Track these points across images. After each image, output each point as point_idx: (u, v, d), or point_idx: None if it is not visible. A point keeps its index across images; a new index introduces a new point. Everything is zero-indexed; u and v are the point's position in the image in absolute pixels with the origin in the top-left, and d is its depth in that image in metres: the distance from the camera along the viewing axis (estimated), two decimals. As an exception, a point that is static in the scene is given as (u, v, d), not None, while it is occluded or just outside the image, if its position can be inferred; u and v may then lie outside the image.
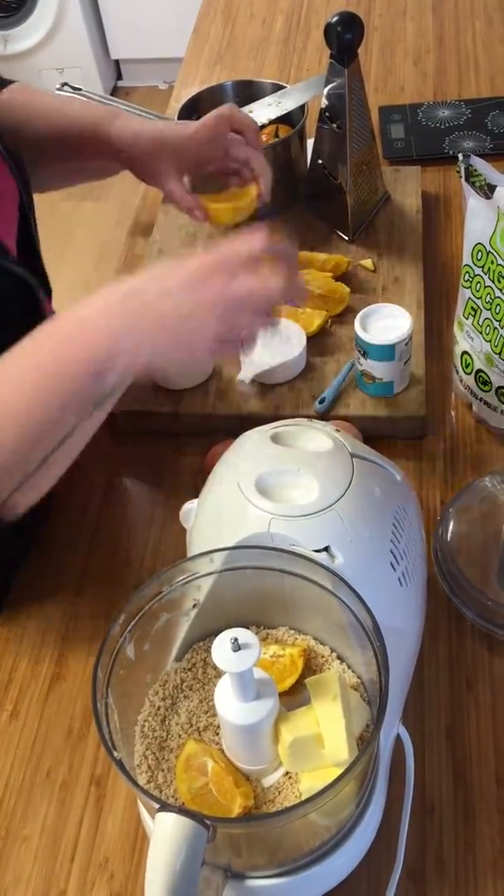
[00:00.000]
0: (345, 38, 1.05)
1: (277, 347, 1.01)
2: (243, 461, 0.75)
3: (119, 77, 3.28)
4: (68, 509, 0.97)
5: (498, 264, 0.89)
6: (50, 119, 0.97)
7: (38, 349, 0.65)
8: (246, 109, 1.22)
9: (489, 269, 0.91)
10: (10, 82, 1.01)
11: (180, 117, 1.23)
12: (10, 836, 0.76)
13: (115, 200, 2.82)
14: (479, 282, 0.93)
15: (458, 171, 0.92)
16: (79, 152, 0.99)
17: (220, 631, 0.62)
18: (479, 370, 0.96)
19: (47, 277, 1.00)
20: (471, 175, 0.91)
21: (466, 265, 0.94)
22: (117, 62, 3.24)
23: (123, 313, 0.64)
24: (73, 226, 2.71)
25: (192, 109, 1.25)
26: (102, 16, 3.04)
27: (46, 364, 0.65)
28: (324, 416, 0.98)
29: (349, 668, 0.73)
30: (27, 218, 0.93)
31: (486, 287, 0.92)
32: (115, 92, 3.23)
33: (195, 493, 0.83)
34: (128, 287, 0.66)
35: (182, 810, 0.55)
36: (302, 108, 1.21)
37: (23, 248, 0.92)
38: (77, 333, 0.65)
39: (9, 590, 0.91)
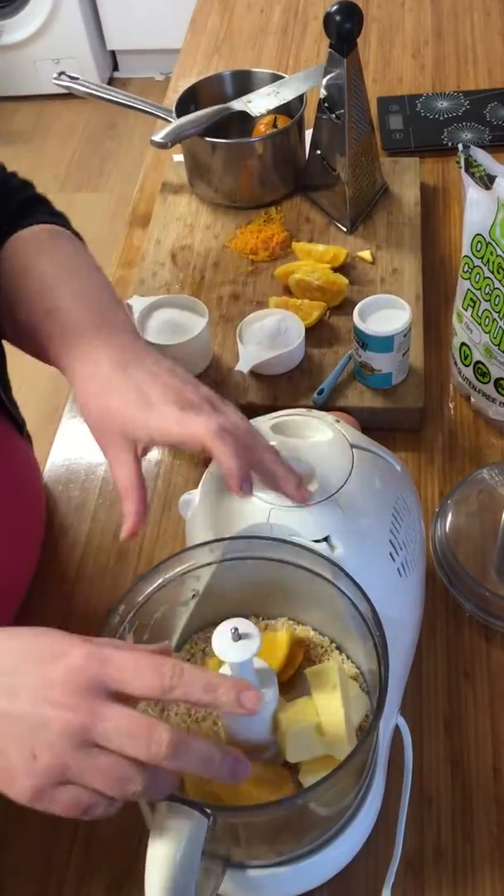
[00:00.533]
0: (344, 27, 1.04)
1: (276, 339, 1.01)
2: (243, 451, 0.75)
3: (115, 68, 3.27)
4: (66, 500, 0.97)
5: (497, 255, 0.89)
6: (29, 308, 0.76)
7: None
8: (244, 99, 1.22)
9: (489, 260, 0.90)
10: (36, 220, 0.82)
11: (178, 107, 1.23)
12: (8, 826, 0.76)
13: (111, 192, 2.82)
14: (478, 273, 0.92)
15: (458, 162, 0.92)
16: (42, 355, 0.76)
17: (220, 621, 0.62)
18: (478, 362, 0.96)
19: (17, 416, 0.90)
20: (470, 165, 0.91)
21: (466, 256, 0.93)
22: (113, 53, 3.23)
23: None
24: (69, 217, 2.70)
25: (190, 99, 1.25)
26: (98, 6, 3.03)
27: None
28: (322, 408, 0.98)
29: (348, 658, 0.73)
30: None
31: (485, 278, 0.92)
32: (111, 83, 3.22)
33: (193, 485, 0.83)
34: None
35: (183, 799, 0.55)
36: (301, 98, 1.21)
37: None
38: None
39: None
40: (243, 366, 1.00)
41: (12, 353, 0.86)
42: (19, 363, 0.88)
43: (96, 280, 0.77)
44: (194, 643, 0.74)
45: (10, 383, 0.89)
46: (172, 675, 0.51)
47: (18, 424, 0.91)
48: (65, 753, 0.50)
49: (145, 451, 0.68)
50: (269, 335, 1.01)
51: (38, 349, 0.76)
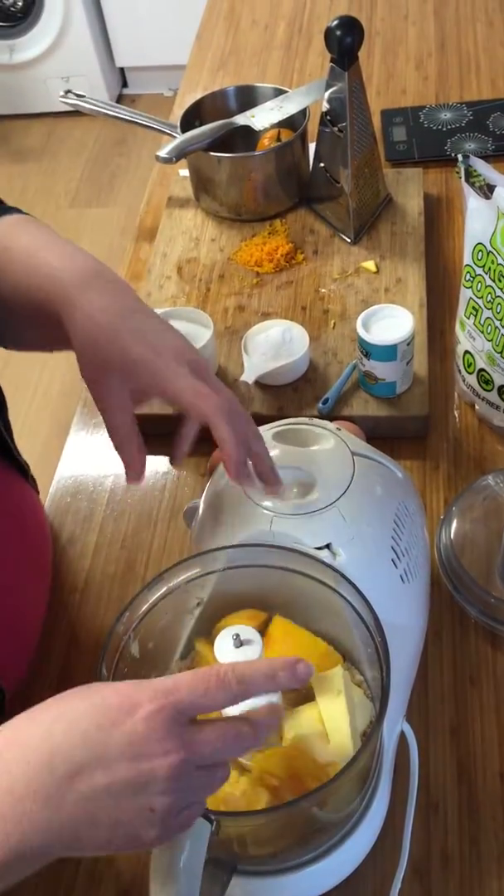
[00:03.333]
0: (345, 41, 1.06)
1: (280, 349, 1.02)
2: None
3: (124, 84, 3.30)
4: (74, 511, 0.98)
5: (498, 264, 0.89)
6: (17, 276, 0.72)
7: None
8: (248, 114, 1.23)
9: (490, 268, 0.91)
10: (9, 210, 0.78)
11: (183, 122, 1.24)
12: (17, 834, 0.77)
13: (120, 206, 2.84)
14: (480, 281, 0.93)
15: (458, 172, 0.92)
16: (40, 322, 0.72)
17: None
18: (482, 369, 0.97)
19: (24, 464, 0.91)
20: (470, 175, 0.92)
21: (468, 265, 0.94)
22: (122, 70, 3.26)
23: (50, 800, 0.49)
24: (79, 232, 2.73)
25: (195, 115, 1.27)
26: (107, 24, 3.06)
27: None
28: (327, 417, 0.98)
29: (353, 665, 0.73)
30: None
31: (487, 287, 0.92)
32: (120, 99, 3.26)
33: (199, 495, 0.84)
34: (57, 759, 0.50)
35: (185, 805, 0.55)
36: (303, 111, 1.22)
37: None
38: (3, 810, 0.50)
39: None
40: (249, 376, 1.01)
41: (14, 382, 0.87)
42: (28, 378, 0.89)
43: (76, 247, 0.73)
44: (196, 651, 0.75)
45: (12, 427, 0.87)
46: (236, 682, 0.53)
47: (23, 470, 0.91)
48: (176, 791, 0.51)
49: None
50: (273, 346, 1.02)
51: (29, 321, 0.73)
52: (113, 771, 0.50)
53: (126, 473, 0.72)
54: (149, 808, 0.50)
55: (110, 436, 0.71)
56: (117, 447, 0.70)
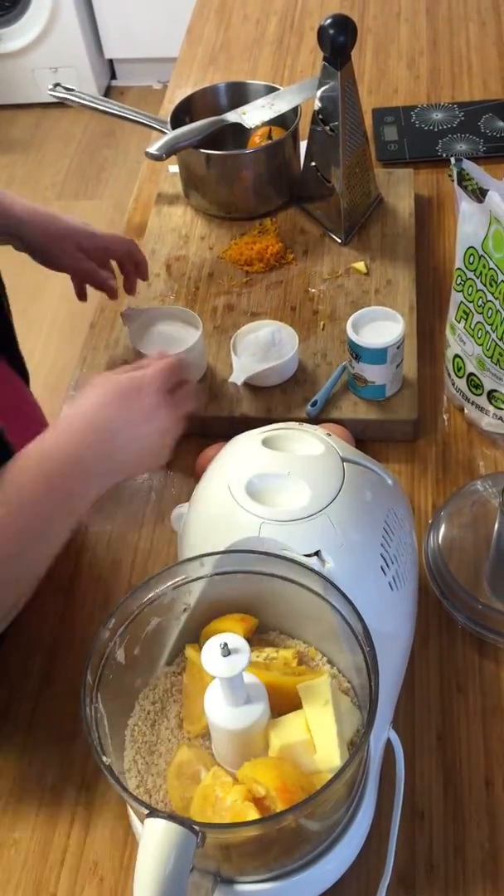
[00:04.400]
0: (338, 40, 1.05)
1: (270, 350, 1.01)
2: (234, 465, 0.75)
3: (113, 76, 3.27)
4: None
5: (490, 268, 0.89)
6: None
7: (37, 488, 0.71)
8: (239, 111, 1.22)
9: (481, 272, 0.91)
10: None
11: (173, 118, 1.23)
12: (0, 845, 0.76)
13: (108, 199, 2.82)
14: (471, 285, 0.93)
15: (451, 175, 0.92)
16: None
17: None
18: (471, 373, 0.97)
19: (23, 360, 1.02)
20: (463, 178, 0.91)
21: (459, 269, 0.94)
22: (111, 62, 3.23)
23: (99, 460, 0.73)
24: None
25: (185, 111, 1.26)
26: (96, 15, 3.03)
27: (49, 501, 0.72)
28: (316, 419, 0.98)
29: (340, 672, 0.72)
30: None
31: (478, 291, 0.92)
32: (108, 91, 3.23)
33: (187, 497, 0.83)
34: (99, 428, 0.74)
35: (171, 816, 0.55)
36: (295, 110, 1.22)
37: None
38: (70, 486, 0.72)
39: None
40: (237, 377, 1.00)
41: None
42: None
43: None
44: (186, 657, 0.74)
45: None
46: None
47: (25, 376, 1.00)
48: (173, 422, 0.79)
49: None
50: (263, 347, 1.02)
51: None
52: (141, 428, 0.75)
53: (108, 293, 1.08)
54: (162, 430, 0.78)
55: (86, 281, 1.07)
56: (92, 284, 1.07)
